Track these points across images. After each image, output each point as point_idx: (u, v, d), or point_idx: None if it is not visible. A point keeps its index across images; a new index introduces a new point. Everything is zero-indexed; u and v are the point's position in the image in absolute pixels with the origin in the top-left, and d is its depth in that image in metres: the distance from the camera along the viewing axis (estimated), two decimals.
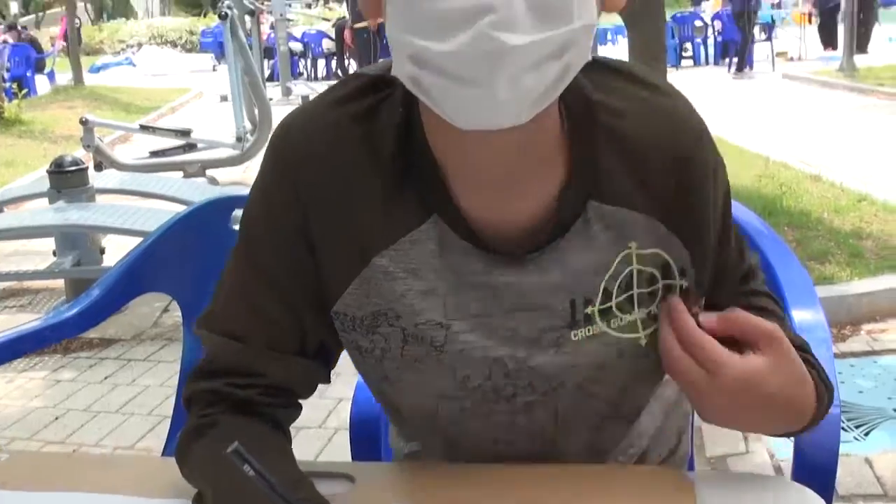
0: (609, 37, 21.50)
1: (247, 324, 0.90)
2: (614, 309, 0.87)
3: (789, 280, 1.20)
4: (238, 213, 1.94)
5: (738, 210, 1.31)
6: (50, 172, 4.31)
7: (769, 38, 15.33)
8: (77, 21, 18.60)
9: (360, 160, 0.86)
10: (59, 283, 4.44)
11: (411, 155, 0.85)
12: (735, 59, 14.84)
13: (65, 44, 17.36)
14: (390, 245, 0.86)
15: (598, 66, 0.87)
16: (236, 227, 1.62)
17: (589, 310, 0.86)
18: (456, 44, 0.67)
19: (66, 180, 4.24)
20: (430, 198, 0.85)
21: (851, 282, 3.87)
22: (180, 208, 4.31)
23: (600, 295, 0.86)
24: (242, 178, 7.50)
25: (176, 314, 3.98)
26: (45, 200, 4.42)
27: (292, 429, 0.96)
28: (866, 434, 2.78)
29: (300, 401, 0.96)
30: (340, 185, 0.86)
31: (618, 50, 18.27)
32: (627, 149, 0.86)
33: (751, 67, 14.71)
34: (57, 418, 3.20)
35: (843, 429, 2.36)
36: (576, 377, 0.89)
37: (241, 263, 0.91)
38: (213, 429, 0.88)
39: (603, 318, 0.87)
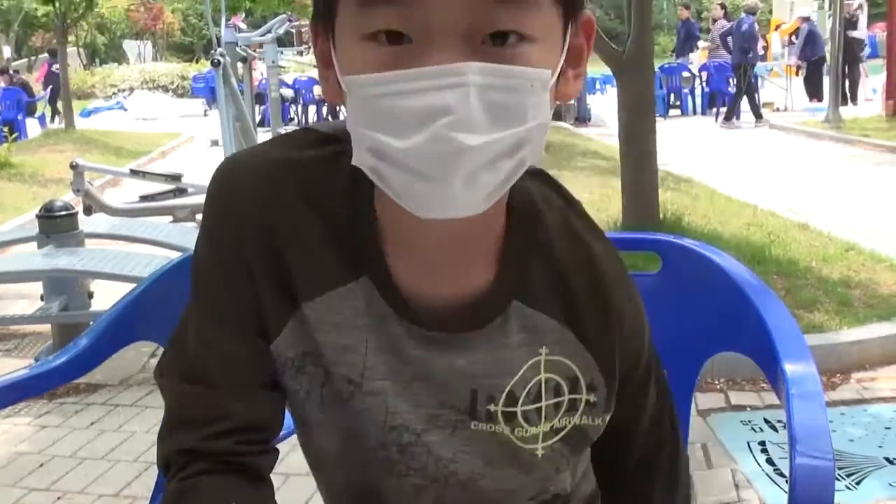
0: (598, 86, 21.69)
1: (203, 364, 0.88)
2: (520, 417, 0.88)
3: (779, 331, 1.19)
4: None
5: (727, 260, 1.32)
6: (39, 217, 4.30)
7: (756, 90, 15.50)
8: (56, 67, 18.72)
9: (299, 207, 0.86)
10: (46, 327, 4.41)
11: (353, 212, 0.85)
12: (723, 109, 15.01)
13: (44, 91, 17.43)
14: (317, 296, 0.86)
15: (545, 180, 0.92)
16: None
17: (492, 407, 0.88)
18: (414, 142, 0.70)
19: (56, 225, 4.23)
20: (365, 259, 0.86)
21: (841, 330, 3.89)
22: (170, 253, 4.33)
23: (504, 396, 0.88)
24: None
25: None
26: (34, 245, 4.40)
27: (281, 476, 0.95)
28: (858, 483, 2.77)
29: (281, 444, 0.95)
30: (276, 227, 0.86)
31: (606, 99, 18.44)
32: (557, 267, 0.88)
33: (737, 118, 14.86)
34: (42, 465, 3.15)
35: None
36: (468, 467, 0.89)
37: (192, 304, 0.91)
38: (194, 492, 0.86)
39: (507, 423, 0.88)
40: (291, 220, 0.86)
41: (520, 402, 0.88)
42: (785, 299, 4.10)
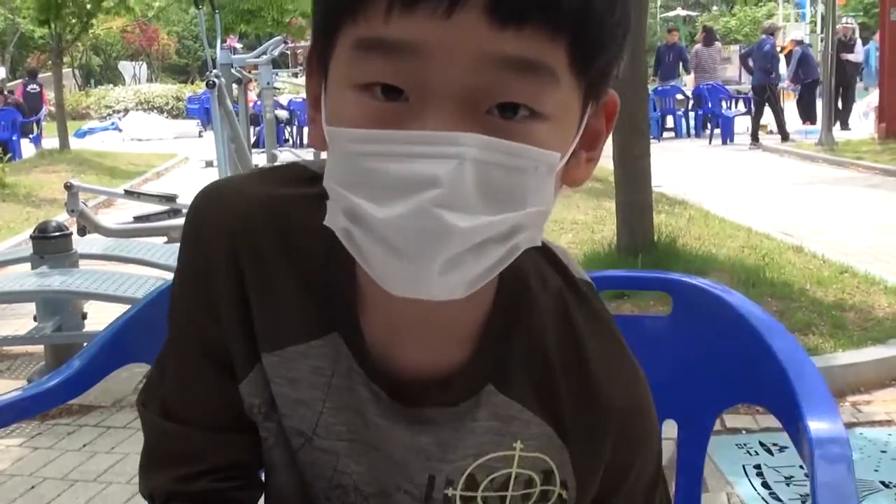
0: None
1: (177, 400, 0.85)
2: (479, 502, 0.82)
3: (803, 384, 1.08)
4: None
5: (743, 302, 1.22)
6: (33, 238, 4.29)
7: (749, 112, 15.58)
8: (36, 87, 18.72)
9: (272, 251, 0.80)
10: (39, 348, 4.39)
11: (331, 263, 0.78)
12: (717, 131, 15.08)
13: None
14: (276, 349, 0.80)
15: (546, 255, 0.84)
16: None
17: (450, 492, 0.81)
18: (393, 213, 0.62)
19: (50, 246, 4.22)
20: (337, 316, 0.79)
21: (835, 353, 3.89)
22: (164, 274, 4.32)
23: (464, 480, 0.81)
24: None
25: None
26: (28, 265, 4.39)
27: None
28: None
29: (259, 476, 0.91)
30: (246, 270, 0.80)
31: None
32: (543, 357, 0.81)
33: (731, 140, 14.92)
34: (33, 487, 3.13)
35: None
36: None
37: (169, 335, 0.88)
38: None
39: None
40: (262, 265, 0.80)
41: (481, 487, 0.81)
42: (779, 322, 4.11)
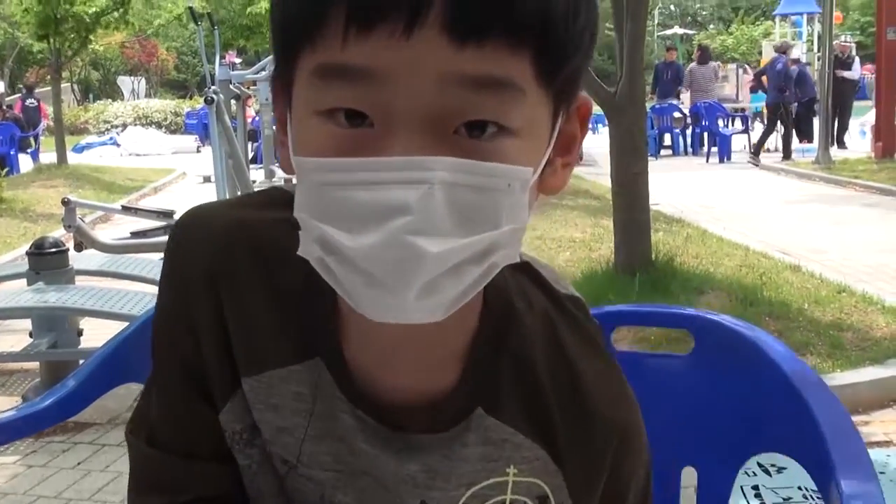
0: (589, 125, 21.79)
1: (161, 429, 0.84)
2: None
3: (835, 436, 1.01)
4: None
5: (770, 342, 1.15)
6: (29, 254, 4.28)
7: (746, 130, 15.63)
8: (34, 101, 18.75)
9: (251, 275, 0.79)
10: (35, 364, 4.37)
11: (312, 287, 0.74)
12: (714, 149, 15.12)
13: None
14: (256, 374, 0.79)
15: (530, 274, 0.83)
16: None
17: None
18: (366, 243, 0.61)
19: (46, 262, 4.21)
20: (318, 341, 0.77)
21: (834, 373, 3.88)
22: None
23: None
24: None
25: None
26: (24, 281, 4.38)
27: None
28: None
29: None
30: (225, 295, 0.79)
31: (598, 139, 18.53)
32: (532, 378, 0.79)
33: (728, 158, 14.96)
34: None
35: None
36: None
37: (153, 362, 0.86)
38: None
39: None
40: (241, 290, 0.78)
41: None
42: None
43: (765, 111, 16.94)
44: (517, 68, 0.63)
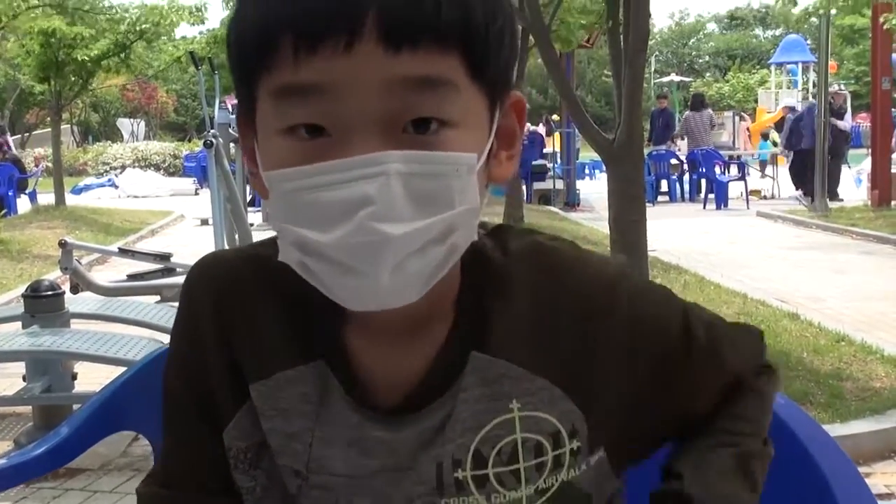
0: (587, 171, 21.94)
1: (175, 463, 0.89)
2: (493, 480, 0.80)
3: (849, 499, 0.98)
4: None
5: (783, 405, 1.11)
6: (25, 296, 4.26)
7: (743, 177, 15.70)
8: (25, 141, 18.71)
9: (256, 291, 0.85)
10: (28, 408, 4.32)
11: (311, 297, 0.79)
12: (711, 196, 15.18)
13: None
14: (264, 377, 0.83)
15: (504, 230, 0.88)
16: None
17: (460, 474, 0.80)
18: (337, 235, 0.69)
19: (41, 305, 4.18)
20: (321, 341, 0.83)
21: (833, 424, 3.85)
22: (156, 334, 4.27)
23: (470, 458, 0.80)
24: None
25: (146, 443, 3.87)
26: (19, 323, 4.35)
27: None
28: None
29: None
30: (232, 312, 0.86)
31: (595, 184, 18.62)
32: (520, 302, 0.82)
33: (725, 205, 15.00)
34: None
35: None
36: None
37: (164, 405, 0.92)
38: None
39: (480, 489, 0.80)
40: (250, 308, 0.85)
41: (490, 462, 0.80)
42: None
43: (779, 160, 17.05)
44: (449, 67, 0.71)
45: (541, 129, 21.03)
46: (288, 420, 0.82)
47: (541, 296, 0.83)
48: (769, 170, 17.92)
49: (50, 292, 4.22)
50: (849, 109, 17.42)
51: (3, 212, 12.71)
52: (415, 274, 0.71)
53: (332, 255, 0.70)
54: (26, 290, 4.28)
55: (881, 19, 11.22)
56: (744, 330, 0.99)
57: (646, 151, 11.20)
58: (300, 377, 0.82)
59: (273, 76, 0.71)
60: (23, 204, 15.52)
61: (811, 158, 13.88)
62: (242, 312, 0.85)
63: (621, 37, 5.44)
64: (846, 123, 16.59)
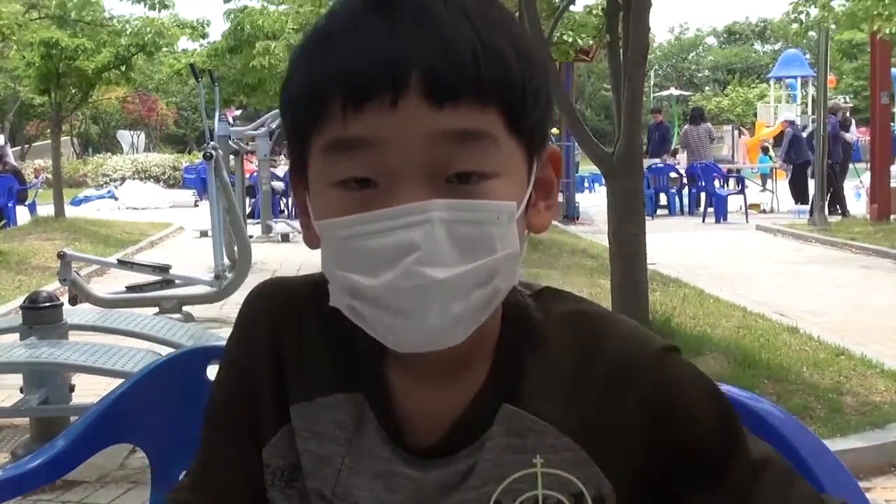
0: (587, 184, 21.97)
1: (203, 473, 0.92)
2: None
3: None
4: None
5: (783, 420, 1.11)
6: (23, 308, 4.25)
7: (742, 191, 15.71)
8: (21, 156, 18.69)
9: (310, 317, 0.89)
10: (25, 420, 4.31)
11: (362, 335, 0.81)
12: (710, 210, 15.20)
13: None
14: (304, 400, 0.87)
15: (549, 293, 0.90)
16: (211, 378, 1.57)
17: None
18: (385, 280, 0.73)
19: (39, 316, 4.17)
20: (362, 375, 0.86)
21: (833, 438, 3.83)
22: (154, 346, 4.26)
23: None
24: (219, 314, 7.45)
25: (143, 456, 3.85)
26: (17, 335, 4.34)
27: None
28: None
29: None
30: (285, 333, 0.89)
31: (595, 198, 18.63)
32: (556, 361, 0.84)
33: (725, 218, 15.01)
34: None
35: None
36: None
37: (204, 421, 0.94)
38: None
39: None
40: (301, 327, 0.89)
41: None
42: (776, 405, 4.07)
43: (778, 174, 17.05)
44: (488, 121, 0.75)
45: None
46: (322, 444, 0.85)
47: (576, 358, 0.84)
48: (768, 184, 17.94)
49: (48, 304, 4.21)
50: (853, 121, 17.42)
51: (3, 223, 12.72)
52: (459, 316, 0.74)
53: (380, 298, 0.74)
54: (24, 302, 4.27)
55: (875, 27, 11.22)
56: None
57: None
58: (338, 405, 0.85)
59: (323, 133, 0.76)
60: (22, 215, 15.52)
61: (831, 172, 13.92)
62: (296, 334, 0.89)
63: (621, 50, 5.44)
64: (852, 136, 16.60)
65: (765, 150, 19.73)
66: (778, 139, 19.31)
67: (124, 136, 36.53)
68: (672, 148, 18.58)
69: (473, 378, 0.84)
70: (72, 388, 4.24)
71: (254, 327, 0.91)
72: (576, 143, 12.07)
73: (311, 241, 0.81)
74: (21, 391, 4.13)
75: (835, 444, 3.77)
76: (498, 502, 0.81)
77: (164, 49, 14.69)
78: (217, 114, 10.00)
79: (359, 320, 0.77)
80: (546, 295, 0.90)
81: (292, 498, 0.87)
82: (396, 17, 0.75)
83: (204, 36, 15.32)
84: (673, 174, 16.66)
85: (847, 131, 15.95)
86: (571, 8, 10.53)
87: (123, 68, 14.78)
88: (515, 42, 0.78)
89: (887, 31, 11.02)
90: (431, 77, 0.73)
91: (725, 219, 15.04)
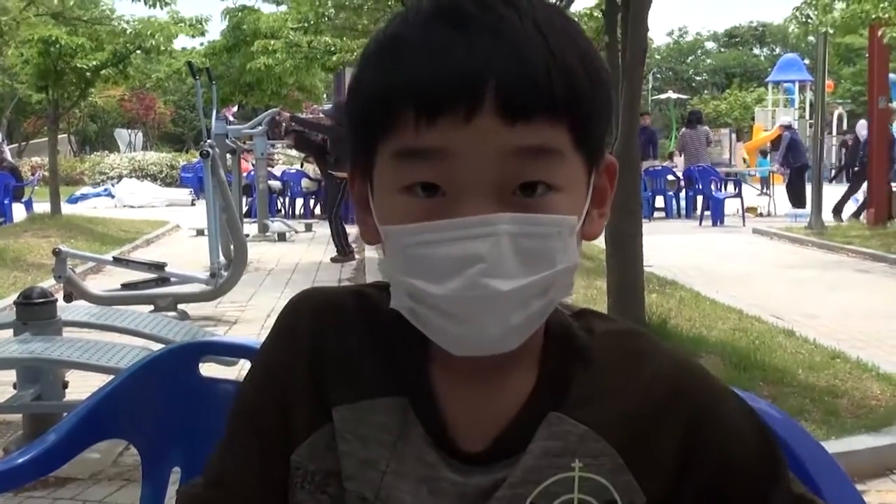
0: None
1: (221, 471, 0.91)
2: None
3: None
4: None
5: (782, 422, 1.11)
6: (17, 304, 4.24)
7: (739, 194, 15.72)
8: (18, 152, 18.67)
9: (354, 323, 0.89)
10: (18, 416, 4.30)
11: (407, 339, 0.84)
12: (707, 213, 15.21)
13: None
14: (348, 402, 0.86)
15: (588, 313, 0.92)
16: (203, 374, 1.56)
17: None
18: (449, 288, 0.74)
19: (34, 312, 4.16)
20: (407, 379, 0.86)
21: (829, 441, 3.83)
22: (149, 343, 4.25)
23: None
24: (214, 313, 7.44)
25: (136, 453, 3.84)
26: (10, 331, 4.32)
27: None
28: None
29: None
30: (327, 337, 0.89)
31: None
32: (600, 375, 0.85)
33: (721, 222, 15.01)
34: None
35: None
36: None
37: (228, 418, 0.93)
38: None
39: None
40: (344, 332, 0.89)
41: None
42: None
43: (775, 177, 17.05)
44: (557, 138, 0.77)
45: None
46: (365, 447, 0.85)
47: (621, 375, 0.85)
48: (764, 187, 17.94)
49: (42, 300, 4.20)
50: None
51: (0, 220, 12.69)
52: (517, 325, 0.77)
53: (442, 306, 0.75)
54: (18, 298, 4.26)
55: (879, 33, 11.22)
56: None
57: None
58: (383, 408, 0.86)
59: (393, 140, 0.77)
60: (19, 212, 15.49)
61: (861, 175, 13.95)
62: (338, 338, 0.89)
63: (619, 51, 5.44)
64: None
65: (764, 154, 19.74)
66: (775, 143, 19.31)
67: (122, 134, 36.48)
68: (669, 151, 18.57)
69: (519, 386, 0.85)
70: (65, 385, 4.22)
71: (295, 330, 0.91)
72: None
73: (369, 237, 0.83)
74: (14, 387, 4.12)
75: (830, 447, 3.75)
76: (532, 503, 0.81)
77: (163, 49, 14.62)
78: (214, 112, 9.99)
79: (417, 323, 0.79)
80: (587, 314, 0.92)
81: (323, 502, 0.86)
82: (472, 27, 0.75)
83: (203, 34, 15.28)
84: (670, 177, 16.67)
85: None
86: (570, 8, 10.53)
87: (121, 66, 14.77)
88: (583, 56, 0.79)
89: (892, 35, 11.02)
90: (506, 94, 0.74)
91: (722, 222, 15.04)
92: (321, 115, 12.68)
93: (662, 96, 36.81)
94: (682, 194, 16.74)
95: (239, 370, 1.80)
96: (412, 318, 0.79)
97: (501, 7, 0.77)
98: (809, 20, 12.10)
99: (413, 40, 0.77)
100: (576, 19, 0.90)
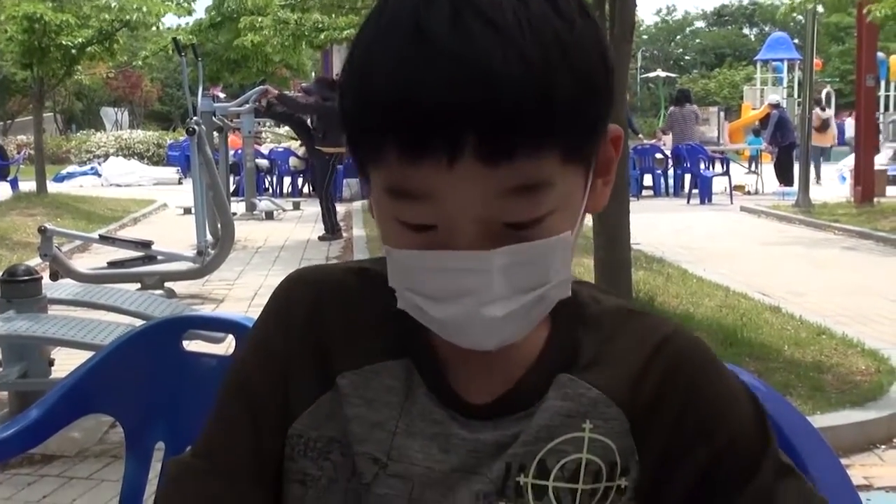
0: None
1: (211, 438, 0.91)
2: (551, 494, 0.82)
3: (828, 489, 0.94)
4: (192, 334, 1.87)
5: (769, 396, 1.08)
6: (1, 281, 4.21)
7: (727, 172, 15.74)
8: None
9: (353, 293, 0.91)
10: (3, 394, 4.29)
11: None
12: (695, 191, 15.23)
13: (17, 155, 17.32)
14: (353, 368, 0.87)
15: (590, 284, 0.93)
16: (188, 349, 1.56)
17: (521, 479, 0.82)
18: (447, 313, 0.77)
19: (18, 290, 4.14)
20: (411, 343, 0.87)
21: (814, 416, 3.85)
22: (134, 321, 4.24)
23: (535, 466, 0.82)
24: (201, 291, 7.42)
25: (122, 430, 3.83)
26: None
27: None
28: None
29: None
30: (327, 308, 0.91)
31: None
32: (610, 342, 0.87)
33: (709, 200, 15.04)
34: None
35: None
36: None
37: (220, 388, 0.93)
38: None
39: (536, 500, 0.82)
40: (346, 304, 0.91)
41: (552, 475, 0.82)
42: None
43: (763, 156, 17.06)
44: (544, 167, 0.74)
45: None
46: (373, 409, 0.86)
47: (627, 342, 0.87)
48: (753, 166, 17.97)
49: (27, 277, 4.18)
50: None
51: None
52: (517, 332, 0.80)
53: (442, 324, 0.79)
54: (3, 275, 4.24)
55: (864, 11, 11.21)
56: None
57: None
58: (388, 371, 0.87)
59: (382, 172, 0.77)
60: (4, 191, 15.40)
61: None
62: (340, 310, 0.90)
63: (607, 27, 5.42)
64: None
65: (756, 133, 19.75)
66: (763, 122, 19.33)
67: (108, 112, 36.27)
68: (657, 129, 18.56)
69: (527, 346, 0.86)
70: (51, 363, 4.21)
71: (293, 302, 0.92)
72: None
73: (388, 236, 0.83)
74: None
75: (815, 422, 3.76)
76: (542, 461, 0.82)
77: (150, 24, 14.49)
78: (200, 89, 9.91)
79: (424, 322, 0.81)
80: (589, 286, 0.93)
81: (325, 469, 0.87)
82: (446, 52, 0.71)
83: (189, 13, 15.16)
84: (658, 155, 16.67)
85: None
86: None
87: (107, 44, 14.64)
88: (576, 68, 0.74)
89: (877, 13, 11.02)
90: (486, 140, 0.72)
91: (710, 200, 15.07)
92: (301, 89, 12.55)
93: (651, 75, 36.79)
94: (671, 172, 16.75)
95: (227, 347, 1.79)
96: (418, 316, 0.81)
97: (478, 26, 0.71)
98: None
99: (385, 64, 0.73)
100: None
